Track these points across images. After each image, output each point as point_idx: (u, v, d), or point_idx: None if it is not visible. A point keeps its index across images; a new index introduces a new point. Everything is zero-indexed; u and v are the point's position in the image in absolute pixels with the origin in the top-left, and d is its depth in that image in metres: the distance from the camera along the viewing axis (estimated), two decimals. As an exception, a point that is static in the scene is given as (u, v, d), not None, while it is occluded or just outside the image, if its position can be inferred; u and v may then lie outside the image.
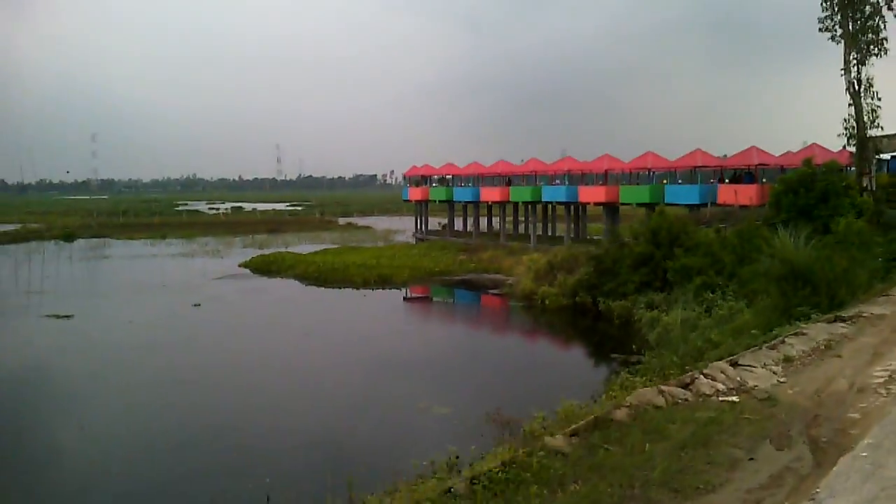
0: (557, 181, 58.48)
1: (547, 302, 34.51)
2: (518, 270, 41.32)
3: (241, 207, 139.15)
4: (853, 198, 26.51)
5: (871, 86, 26.96)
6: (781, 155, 45.00)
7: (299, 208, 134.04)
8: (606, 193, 51.37)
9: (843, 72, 27.23)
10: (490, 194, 60.13)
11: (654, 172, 51.20)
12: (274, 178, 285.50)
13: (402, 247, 58.21)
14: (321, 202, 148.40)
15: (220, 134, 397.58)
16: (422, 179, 68.95)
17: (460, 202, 64.60)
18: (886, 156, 36.97)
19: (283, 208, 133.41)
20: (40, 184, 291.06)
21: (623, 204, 51.57)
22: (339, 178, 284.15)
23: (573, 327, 31.35)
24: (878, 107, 26.90)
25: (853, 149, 27.50)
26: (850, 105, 27.22)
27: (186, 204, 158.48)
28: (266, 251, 58.67)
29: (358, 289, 42.36)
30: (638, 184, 52.71)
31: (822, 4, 27.59)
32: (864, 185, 26.84)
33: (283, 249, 59.32)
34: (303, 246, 63.92)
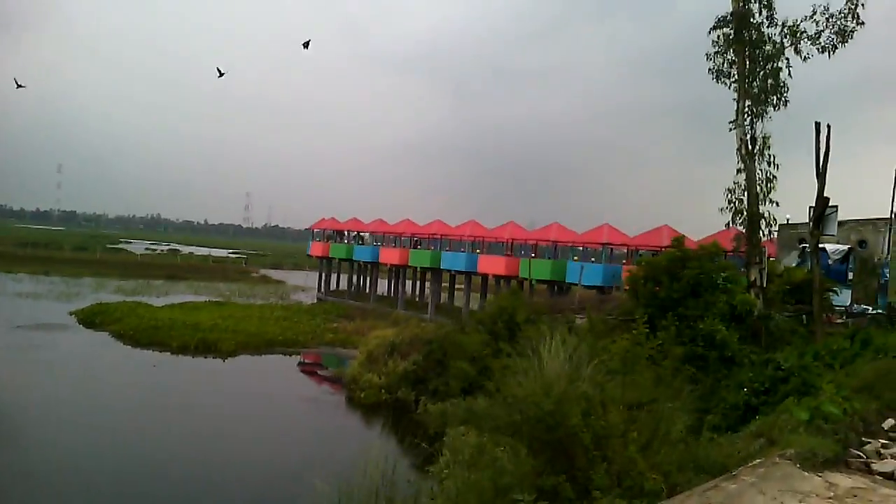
0: (462, 248, 50.77)
1: (362, 395, 26.30)
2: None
3: (176, 250, 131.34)
4: (732, 295, 18.67)
5: (767, 146, 19.51)
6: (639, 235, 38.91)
7: (243, 256, 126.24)
8: (507, 265, 43.81)
9: (732, 125, 19.80)
10: (390, 256, 52.48)
11: (558, 246, 43.66)
12: (240, 225, 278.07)
13: (276, 307, 50.35)
14: (273, 251, 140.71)
15: (190, 176, 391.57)
16: (335, 234, 61.19)
17: (361, 262, 56.62)
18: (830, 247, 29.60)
19: (222, 255, 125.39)
20: (1, 210, 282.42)
21: (524, 279, 43.88)
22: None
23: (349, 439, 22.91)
24: (774, 177, 19.35)
25: (742, 228, 19.76)
26: (738, 171, 19.69)
27: (130, 241, 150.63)
28: (125, 299, 50.42)
29: (174, 353, 34.51)
30: (536, 257, 45.22)
31: (710, 36, 20.32)
32: (752, 278, 19.04)
33: (141, 299, 51.29)
34: (177, 297, 55.92)
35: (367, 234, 60.43)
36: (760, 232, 19.78)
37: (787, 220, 32.56)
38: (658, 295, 19.40)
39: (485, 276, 47.88)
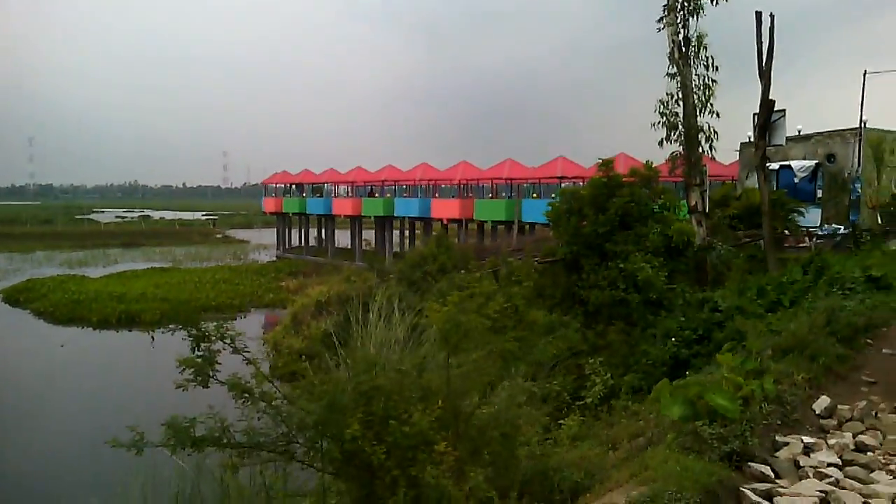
0: (417, 194, 47.54)
1: (280, 363, 23.42)
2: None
3: (147, 216, 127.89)
4: (668, 223, 15.58)
5: (703, 46, 16.20)
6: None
7: (214, 217, 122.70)
8: (461, 208, 40.60)
9: (660, 23, 16.44)
10: (342, 207, 49.15)
11: (513, 183, 40.42)
12: (218, 186, 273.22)
13: (223, 269, 47.24)
14: (249, 211, 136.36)
15: (167, 141, 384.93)
16: (293, 188, 57.71)
17: (314, 215, 53.34)
18: (775, 165, 26.51)
19: (192, 218, 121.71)
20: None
21: (480, 221, 40.81)
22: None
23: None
24: (714, 81, 16.07)
25: (678, 146, 16.56)
26: (670, 76, 16.41)
27: (102, 211, 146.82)
28: (66, 272, 47.39)
29: (95, 328, 31.68)
30: (494, 197, 42.04)
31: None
32: (692, 203, 15.92)
33: (85, 271, 49.14)
34: (126, 265, 52.95)
35: (327, 185, 57.05)
36: (700, 148, 16.56)
37: (749, 137, 29.38)
38: (581, 230, 16.28)
39: (440, 221, 44.70)
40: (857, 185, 24.26)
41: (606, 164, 17.29)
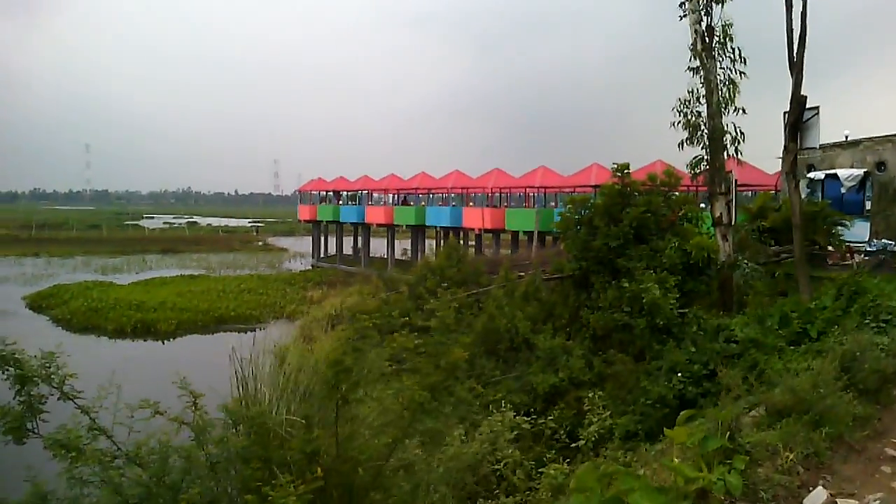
0: (452, 202, 46.28)
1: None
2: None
3: (195, 223, 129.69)
4: (687, 236, 13.90)
5: (729, 36, 14.51)
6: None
7: (259, 224, 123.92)
8: (492, 217, 39.13)
9: (683, 10, 14.81)
10: (375, 215, 48.13)
11: (546, 192, 38.82)
12: (270, 193, 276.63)
13: (251, 278, 46.59)
14: (296, 218, 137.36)
15: (220, 148, 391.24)
16: (331, 195, 57.00)
17: (349, 223, 52.52)
18: (820, 174, 24.44)
19: (237, 224, 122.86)
20: (34, 193, 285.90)
21: (513, 231, 39.32)
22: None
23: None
24: (742, 73, 14.35)
25: (701, 150, 14.87)
26: (692, 69, 14.73)
27: (152, 217, 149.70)
28: (98, 278, 47.54)
29: (110, 337, 31.21)
30: (527, 206, 40.45)
31: None
32: (717, 214, 14.21)
33: (116, 277, 49.65)
34: (159, 272, 52.93)
35: (365, 192, 56.12)
36: (725, 151, 14.81)
37: (812, 149, 27.21)
38: (592, 244, 14.68)
39: (471, 231, 43.34)
40: (911, 197, 22.04)
41: (622, 170, 15.66)
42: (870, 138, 24.29)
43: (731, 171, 15.11)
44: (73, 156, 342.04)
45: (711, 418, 4.63)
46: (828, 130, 16.78)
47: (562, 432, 12.64)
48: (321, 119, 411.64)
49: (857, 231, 22.39)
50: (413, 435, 5.51)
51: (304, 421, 5.78)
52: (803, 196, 24.59)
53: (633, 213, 14.76)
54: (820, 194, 24.60)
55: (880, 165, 23.55)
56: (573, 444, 11.60)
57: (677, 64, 16.80)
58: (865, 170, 23.68)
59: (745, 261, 14.23)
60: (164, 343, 31.69)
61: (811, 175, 25.14)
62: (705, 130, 15.07)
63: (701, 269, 14.02)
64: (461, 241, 46.52)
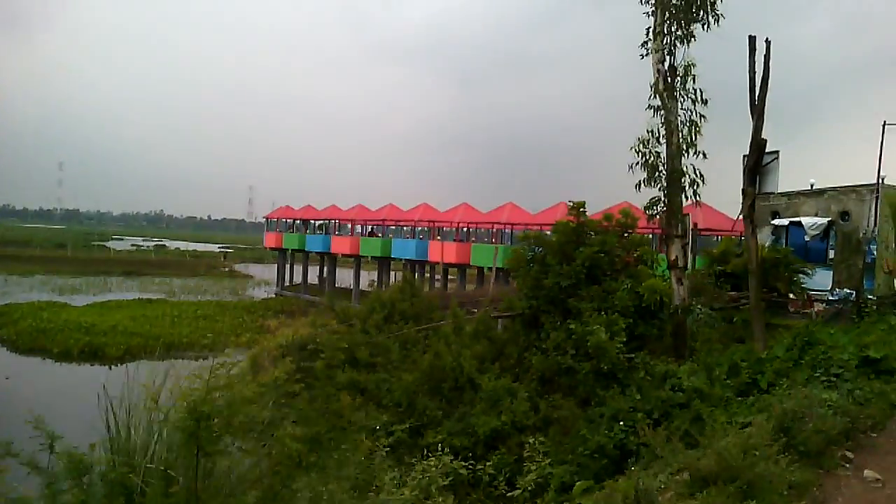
0: (419, 234, 45.66)
1: (226, 413, 20.95)
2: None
3: (163, 246, 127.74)
4: (641, 278, 13.34)
5: (691, 76, 14.16)
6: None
7: (229, 250, 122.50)
8: (458, 252, 38.51)
9: (645, 49, 14.45)
10: (341, 246, 47.30)
11: (514, 229, 38.34)
12: (243, 220, 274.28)
13: (209, 305, 45.45)
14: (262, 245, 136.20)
15: (195, 172, 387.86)
16: (302, 224, 56.07)
17: (314, 252, 51.67)
18: (784, 221, 24.20)
19: (206, 249, 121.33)
20: (3, 209, 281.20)
21: (479, 266, 38.73)
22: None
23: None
24: (702, 116, 13.96)
25: (659, 191, 14.41)
26: (653, 108, 14.32)
27: (121, 238, 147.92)
28: (53, 298, 46.20)
29: (56, 360, 29.98)
30: (496, 242, 39.95)
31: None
32: (673, 256, 13.67)
33: (74, 298, 48.56)
34: (117, 294, 51.68)
35: (335, 221, 55.32)
36: (683, 194, 14.37)
37: (770, 194, 27.06)
38: (543, 282, 14.07)
39: (437, 265, 42.72)
40: (873, 247, 21.80)
41: (577, 208, 15.14)
42: (834, 188, 24.15)
43: (687, 214, 14.69)
44: (45, 173, 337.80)
45: (613, 489, 3.96)
46: (797, 178, 16.47)
47: (501, 479, 11.93)
48: (300, 148, 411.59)
49: (820, 280, 22.10)
50: (287, 496, 4.75)
51: (167, 471, 5.03)
52: (767, 243, 24.39)
53: (587, 252, 14.23)
54: (784, 241, 24.33)
55: (844, 215, 23.36)
56: (511, 493, 10.92)
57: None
58: (829, 219, 23.46)
59: (699, 306, 13.66)
60: (110, 368, 30.47)
61: (776, 222, 24.90)
62: (663, 171, 14.64)
63: (654, 313, 13.47)
64: (428, 275, 46.01)
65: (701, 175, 14.44)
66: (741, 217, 13.95)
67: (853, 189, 23.43)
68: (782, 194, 26.06)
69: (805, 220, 23.96)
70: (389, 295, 19.68)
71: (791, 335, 11.17)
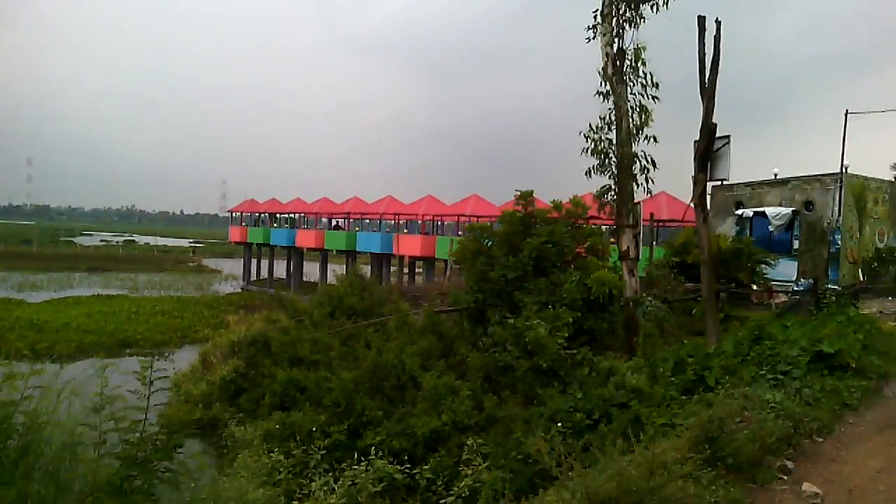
0: (385, 227, 44.79)
1: (171, 413, 20.24)
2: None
3: (132, 241, 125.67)
4: (590, 270, 12.60)
5: (641, 60, 13.43)
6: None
7: (200, 245, 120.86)
8: (423, 245, 37.65)
9: (593, 31, 13.68)
10: (306, 239, 46.26)
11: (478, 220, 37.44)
12: (216, 214, 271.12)
13: (170, 300, 44.25)
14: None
15: (167, 167, 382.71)
16: (269, 217, 54.79)
17: (279, 246, 50.58)
18: (749, 212, 23.67)
19: (177, 244, 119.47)
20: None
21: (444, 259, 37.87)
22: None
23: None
24: (655, 98, 13.24)
25: (609, 180, 13.66)
26: (602, 94, 13.55)
27: (91, 234, 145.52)
28: (15, 294, 45.41)
29: (4, 358, 28.23)
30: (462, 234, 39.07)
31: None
32: (624, 247, 12.95)
33: (32, 294, 47.20)
34: (80, 290, 50.35)
35: (302, 215, 54.23)
36: (634, 181, 13.65)
37: (722, 181, 26.48)
38: (489, 275, 13.29)
39: (403, 258, 41.93)
40: (837, 237, 21.33)
41: (525, 197, 14.38)
42: (798, 177, 23.67)
43: (639, 203, 13.98)
44: (12, 168, 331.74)
45: None
46: (764, 170, 15.82)
47: (439, 483, 11.19)
48: (274, 141, 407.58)
49: (785, 270, 21.61)
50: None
51: None
52: (732, 233, 23.87)
53: (534, 243, 13.49)
54: (749, 232, 23.83)
55: (808, 205, 22.88)
56: (442, 502, 10.18)
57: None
58: (794, 209, 22.97)
59: (650, 298, 12.97)
60: (62, 367, 29.22)
61: (739, 212, 24.40)
62: (614, 158, 13.93)
63: (603, 306, 12.74)
64: (396, 268, 45.17)
65: (652, 161, 13.77)
66: (692, 205, 13.24)
67: (817, 178, 22.96)
68: (746, 184, 25.56)
69: (769, 211, 23.47)
70: (337, 289, 18.81)
71: (744, 329, 10.48)
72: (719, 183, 25.76)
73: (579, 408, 9.46)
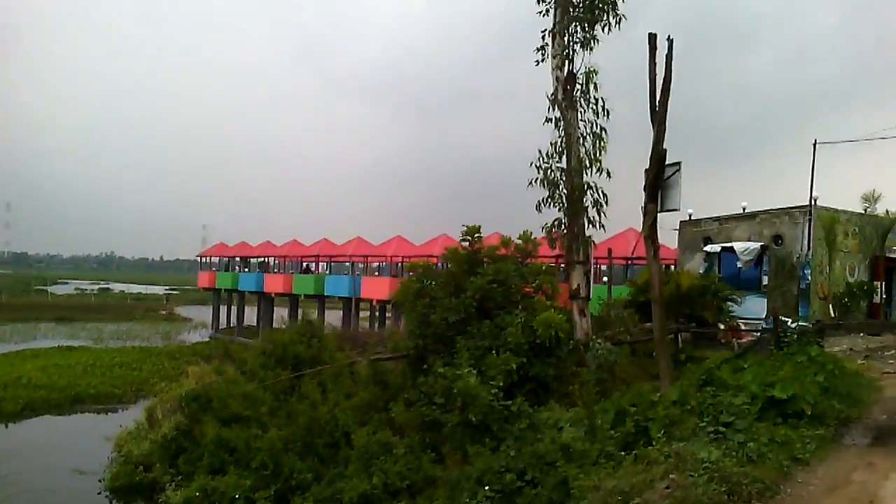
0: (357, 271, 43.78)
1: (110, 475, 19.08)
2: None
3: (107, 289, 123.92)
4: (538, 311, 11.63)
5: (593, 84, 12.66)
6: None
7: (175, 292, 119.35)
8: (391, 288, 36.52)
9: (540, 54, 12.97)
10: (274, 284, 45.14)
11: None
12: (196, 260, 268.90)
13: (132, 351, 43.05)
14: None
15: (147, 212, 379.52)
16: (241, 262, 53.54)
17: (248, 291, 49.33)
18: (716, 247, 22.92)
19: (152, 292, 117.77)
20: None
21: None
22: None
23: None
24: (604, 129, 12.46)
25: (559, 212, 12.77)
26: (552, 120, 12.75)
27: (66, 282, 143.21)
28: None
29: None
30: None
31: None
32: (575, 285, 11.99)
33: None
34: (41, 342, 48.83)
35: (272, 259, 53.06)
36: (587, 214, 12.77)
37: (690, 215, 25.89)
38: (430, 319, 12.28)
39: (372, 302, 40.83)
40: (807, 272, 20.56)
41: (471, 234, 13.45)
42: (766, 210, 23.01)
43: (590, 237, 13.07)
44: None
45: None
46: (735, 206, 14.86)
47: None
48: (256, 185, 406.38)
49: (754, 307, 20.77)
50: None
51: None
52: (700, 270, 23.07)
53: (478, 282, 12.54)
54: (717, 268, 23.05)
55: (777, 239, 22.17)
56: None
57: (619, 142, 14.51)
58: (762, 243, 22.24)
59: (599, 340, 11.98)
60: (6, 426, 27.93)
61: (707, 248, 23.65)
62: (564, 190, 13.06)
63: (550, 350, 11.73)
64: (368, 313, 44.01)
65: (604, 194, 12.92)
66: (643, 237, 12.35)
67: (786, 211, 22.31)
68: (714, 219, 24.89)
69: (737, 246, 22.75)
70: (282, 336, 17.70)
71: (695, 372, 9.52)
72: (687, 217, 25.21)
73: (510, 467, 8.43)
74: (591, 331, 12.47)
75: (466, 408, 9.57)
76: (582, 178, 12.75)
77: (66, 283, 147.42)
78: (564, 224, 13.01)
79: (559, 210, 13.12)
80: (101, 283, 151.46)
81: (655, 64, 12.02)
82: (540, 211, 13.12)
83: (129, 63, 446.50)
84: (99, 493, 18.60)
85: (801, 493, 5.61)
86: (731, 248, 22.91)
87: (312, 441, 12.59)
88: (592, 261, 13.06)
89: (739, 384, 8.45)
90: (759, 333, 18.24)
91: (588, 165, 12.92)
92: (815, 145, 22.28)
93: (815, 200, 21.50)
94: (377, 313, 43.11)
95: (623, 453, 7.87)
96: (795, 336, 11.68)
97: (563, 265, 16.22)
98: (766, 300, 21.57)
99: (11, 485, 19.69)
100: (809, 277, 20.74)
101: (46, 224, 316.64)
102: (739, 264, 22.56)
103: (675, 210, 12.27)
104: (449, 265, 14.28)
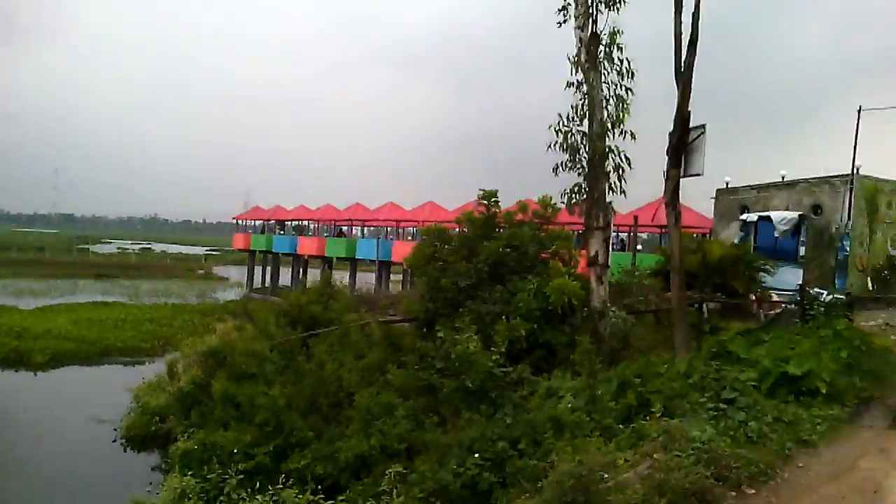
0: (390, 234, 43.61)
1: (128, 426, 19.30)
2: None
3: (149, 249, 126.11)
4: (551, 276, 11.16)
5: (616, 45, 12.01)
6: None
7: (215, 252, 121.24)
8: (421, 252, 36.10)
9: (563, 14, 12.28)
10: (307, 247, 45.21)
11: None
12: (238, 222, 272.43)
13: (163, 307, 43.70)
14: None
15: (192, 175, 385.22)
16: (277, 224, 53.89)
17: (282, 253, 49.61)
18: (753, 216, 22.05)
19: (193, 252, 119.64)
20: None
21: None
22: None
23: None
24: (629, 90, 11.80)
25: (579, 177, 12.21)
26: (574, 84, 12.12)
27: (110, 242, 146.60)
28: (12, 301, 44.56)
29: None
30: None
31: None
32: (592, 252, 11.47)
33: (30, 301, 46.01)
34: (80, 297, 49.70)
35: (309, 222, 53.24)
36: (608, 180, 12.17)
37: (727, 183, 24.94)
38: (441, 283, 11.89)
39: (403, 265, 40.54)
40: (846, 243, 19.62)
41: (488, 198, 12.94)
42: (806, 179, 21.99)
43: (610, 203, 12.45)
44: (42, 179, 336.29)
45: None
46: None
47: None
48: (300, 151, 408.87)
49: (790, 278, 19.92)
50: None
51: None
52: (736, 239, 22.23)
53: (492, 247, 12.06)
54: (753, 237, 22.18)
55: (816, 209, 21.19)
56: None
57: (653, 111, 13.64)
58: (800, 213, 21.29)
59: (613, 308, 11.46)
60: (35, 374, 28.47)
61: (744, 217, 22.76)
62: (585, 154, 12.45)
63: (563, 317, 11.24)
64: (399, 276, 43.88)
65: (627, 159, 12.26)
66: (664, 203, 11.70)
67: (826, 180, 21.30)
68: (752, 187, 23.94)
69: (774, 215, 21.82)
70: (300, 297, 17.50)
71: (706, 344, 8.97)
72: (725, 185, 24.29)
73: (504, 436, 8.01)
74: (608, 299, 11.90)
75: (463, 373, 9.18)
76: (604, 141, 12.11)
77: (110, 242, 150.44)
78: (584, 189, 12.38)
79: (579, 175, 12.49)
80: (143, 243, 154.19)
81: (681, 22, 11.27)
82: (557, 175, 12.52)
83: (176, 36, 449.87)
84: (114, 441, 18.84)
85: (798, 479, 5.09)
86: (769, 217, 22.00)
87: (316, 400, 12.38)
88: (612, 227, 12.42)
89: (752, 358, 7.88)
90: (793, 305, 17.52)
91: (610, 128, 12.23)
92: (859, 112, 21.18)
93: (858, 169, 20.46)
94: (409, 276, 42.84)
95: (621, 426, 7.43)
96: (823, 309, 10.99)
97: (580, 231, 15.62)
98: (802, 271, 20.69)
99: (28, 429, 20.03)
100: (848, 249, 19.81)
101: (93, 187, 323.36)
102: (776, 234, 21.70)
103: (699, 175, 11.57)
104: (465, 229, 13.80)
